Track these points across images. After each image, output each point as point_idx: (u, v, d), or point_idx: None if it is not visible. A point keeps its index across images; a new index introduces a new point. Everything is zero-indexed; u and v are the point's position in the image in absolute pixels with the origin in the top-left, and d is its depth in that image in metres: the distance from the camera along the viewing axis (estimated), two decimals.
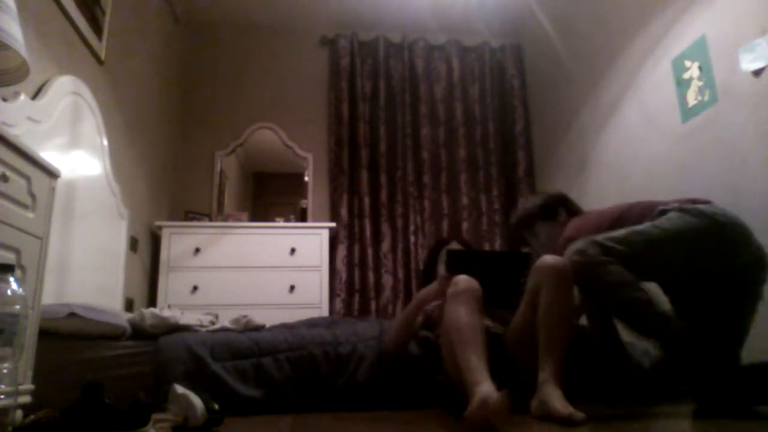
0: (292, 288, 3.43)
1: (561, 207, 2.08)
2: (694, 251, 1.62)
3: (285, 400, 1.87)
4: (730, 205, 2.31)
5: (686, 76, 2.60)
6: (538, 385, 1.45)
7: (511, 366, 1.67)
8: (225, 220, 3.75)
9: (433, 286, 1.85)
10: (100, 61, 2.61)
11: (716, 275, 1.64)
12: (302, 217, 3.99)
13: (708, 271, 1.64)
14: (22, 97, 1.83)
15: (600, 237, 1.60)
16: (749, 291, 1.64)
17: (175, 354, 1.83)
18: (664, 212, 1.70)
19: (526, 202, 2.15)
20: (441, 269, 2.04)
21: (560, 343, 1.49)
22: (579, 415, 1.32)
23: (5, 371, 1.09)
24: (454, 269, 1.74)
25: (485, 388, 1.27)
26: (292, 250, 3.50)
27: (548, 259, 1.59)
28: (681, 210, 1.67)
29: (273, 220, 3.84)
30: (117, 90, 2.86)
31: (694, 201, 1.76)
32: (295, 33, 4.35)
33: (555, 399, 1.38)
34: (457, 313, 1.50)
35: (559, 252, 1.73)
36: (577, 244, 1.61)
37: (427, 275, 2.12)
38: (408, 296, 3.80)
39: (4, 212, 1.26)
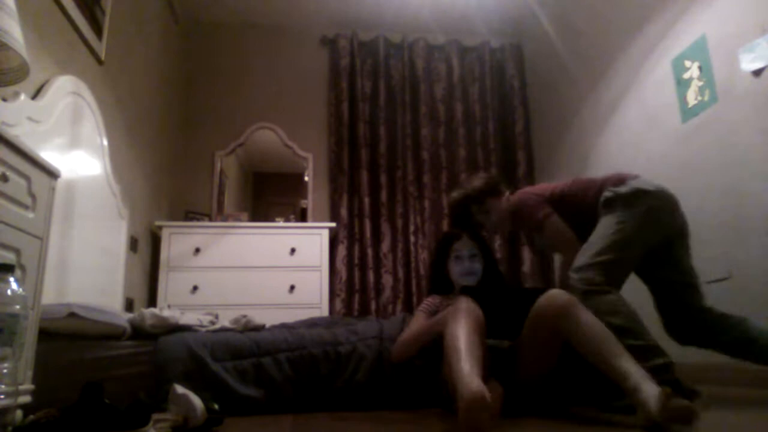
0: (292, 288, 3.43)
1: (502, 183, 2.26)
2: (659, 224, 1.85)
3: (285, 400, 1.87)
4: (730, 205, 2.32)
5: (686, 76, 2.60)
6: (632, 392, 1.25)
7: (514, 367, 1.65)
8: (225, 220, 3.75)
9: (439, 321, 1.77)
10: (100, 61, 2.61)
11: (669, 236, 1.88)
12: (302, 217, 3.99)
13: (666, 236, 1.88)
14: (22, 97, 1.83)
15: (593, 259, 1.76)
16: (685, 242, 1.92)
17: (175, 354, 1.83)
18: (609, 202, 1.86)
19: (470, 183, 2.24)
20: (452, 265, 2.02)
21: (618, 345, 1.38)
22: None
23: (5, 371, 1.09)
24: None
25: (474, 383, 1.21)
26: (292, 250, 3.50)
27: (552, 297, 1.54)
28: (629, 196, 1.83)
29: (273, 220, 3.84)
30: (117, 90, 2.86)
31: (622, 177, 1.92)
32: (295, 33, 4.35)
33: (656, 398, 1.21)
34: (455, 329, 1.45)
35: (529, 208, 1.99)
36: (580, 272, 1.74)
37: (436, 272, 2.10)
38: (408, 296, 3.80)
39: (4, 212, 1.26)
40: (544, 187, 2.15)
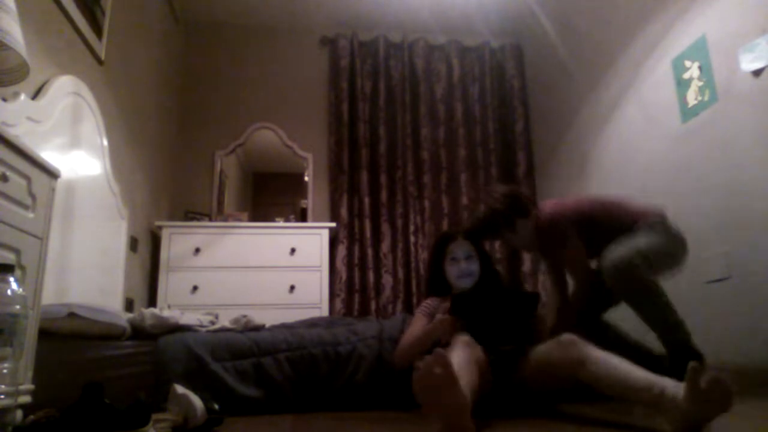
0: (292, 288, 3.43)
1: (529, 201, 2.23)
2: (674, 269, 2.03)
3: (285, 400, 1.87)
4: (729, 205, 2.32)
5: (686, 76, 2.60)
6: (658, 398, 1.20)
7: (521, 382, 1.64)
8: (225, 220, 3.75)
9: (435, 326, 1.77)
10: (100, 61, 2.61)
11: None
12: (302, 217, 3.99)
13: None
14: (22, 97, 1.83)
15: (641, 250, 1.87)
16: None
17: (175, 354, 1.83)
18: (653, 225, 1.98)
19: (497, 204, 2.15)
20: (448, 267, 2.02)
21: (628, 363, 1.35)
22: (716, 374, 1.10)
23: (5, 371, 1.09)
24: (458, 311, 1.68)
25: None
26: (292, 250, 3.50)
27: (565, 349, 1.49)
28: (674, 236, 2.00)
29: (273, 220, 3.83)
30: (117, 90, 2.86)
31: (662, 213, 2.04)
32: (295, 33, 4.35)
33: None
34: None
35: (558, 233, 2.02)
36: (633, 252, 1.85)
37: (433, 274, 2.10)
38: (408, 296, 3.80)
39: (4, 212, 1.26)
40: (568, 205, 2.12)
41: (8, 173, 1.27)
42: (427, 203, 4.04)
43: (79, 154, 2.33)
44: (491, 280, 2.04)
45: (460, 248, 2.01)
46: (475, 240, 2.08)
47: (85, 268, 2.38)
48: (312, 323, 2.30)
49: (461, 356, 1.40)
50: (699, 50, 2.51)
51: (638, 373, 1.30)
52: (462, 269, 1.98)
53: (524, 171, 4.19)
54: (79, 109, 2.33)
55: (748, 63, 2.20)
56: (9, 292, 1.09)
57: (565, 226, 2.03)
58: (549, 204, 2.17)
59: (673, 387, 1.18)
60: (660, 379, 1.24)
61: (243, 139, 4.14)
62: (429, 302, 2.02)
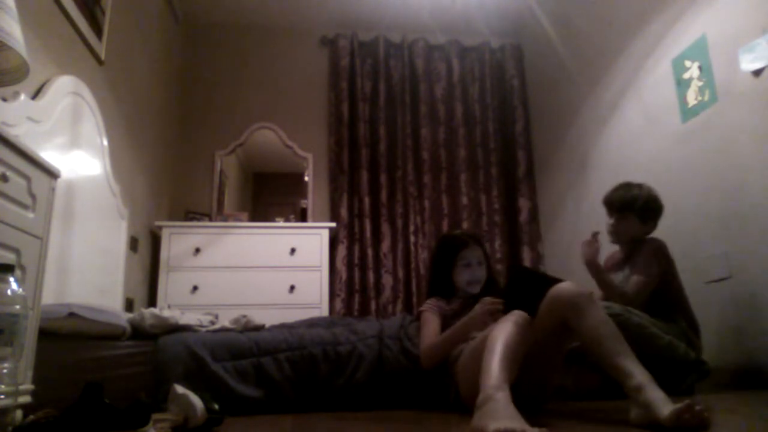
0: (292, 288, 3.43)
1: (657, 219, 2.25)
2: None
3: (285, 400, 1.87)
4: (730, 205, 2.32)
5: (686, 76, 2.60)
6: (634, 390, 1.26)
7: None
8: (225, 220, 3.75)
9: (475, 318, 1.75)
10: (100, 61, 2.61)
11: None
12: (302, 217, 3.99)
13: None
14: (22, 97, 1.83)
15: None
16: None
17: (175, 354, 1.83)
18: None
19: (642, 192, 2.25)
20: (459, 271, 2.02)
21: (623, 344, 1.38)
22: (698, 407, 1.13)
23: (5, 371, 1.09)
24: (515, 284, 1.67)
25: (501, 397, 1.18)
26: (292, 250, 3.50)
27: (567, 287, 1.51)
28: None
29: (273, 220, 3.83)
30: (117, 90, 2.86)
31: None
32: (295, 33, 4.35)
33: (663, 402, 1.20)
34: (498, 332, 1.41)
35: (650, 258, 2.11)
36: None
37: (439, 277, 2.09)
38: (408, 296, 3.80)
39: (4, 212, 1.26)
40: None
41: (8, 173, 1.27)
42: (427, 203, 4.04)
43: (79, 154, 2.33)
44: (492, 283, 2.06)
45: (473, 255, 2.03)
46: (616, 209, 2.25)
47: (85, 268, 2.38)
48: (312, 323, 2.30)
49: (510, 338, 1.38)
50: (699, 50, 2.51)
51: (625, 355, 1.34)
52: (475, 275, 2.00)
53: (524, 171, 4.19)
54: (79, 109, 2.33)
55: (748, 63, 2.20)
56: (9, 292, 1.09)
57: (664, 254, 2.14)
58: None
59: (652, 390, 1.23)
60: (643, 373, 1.28)
61: (243, 139, 4.14)
62: (434, 302, 2.01)
